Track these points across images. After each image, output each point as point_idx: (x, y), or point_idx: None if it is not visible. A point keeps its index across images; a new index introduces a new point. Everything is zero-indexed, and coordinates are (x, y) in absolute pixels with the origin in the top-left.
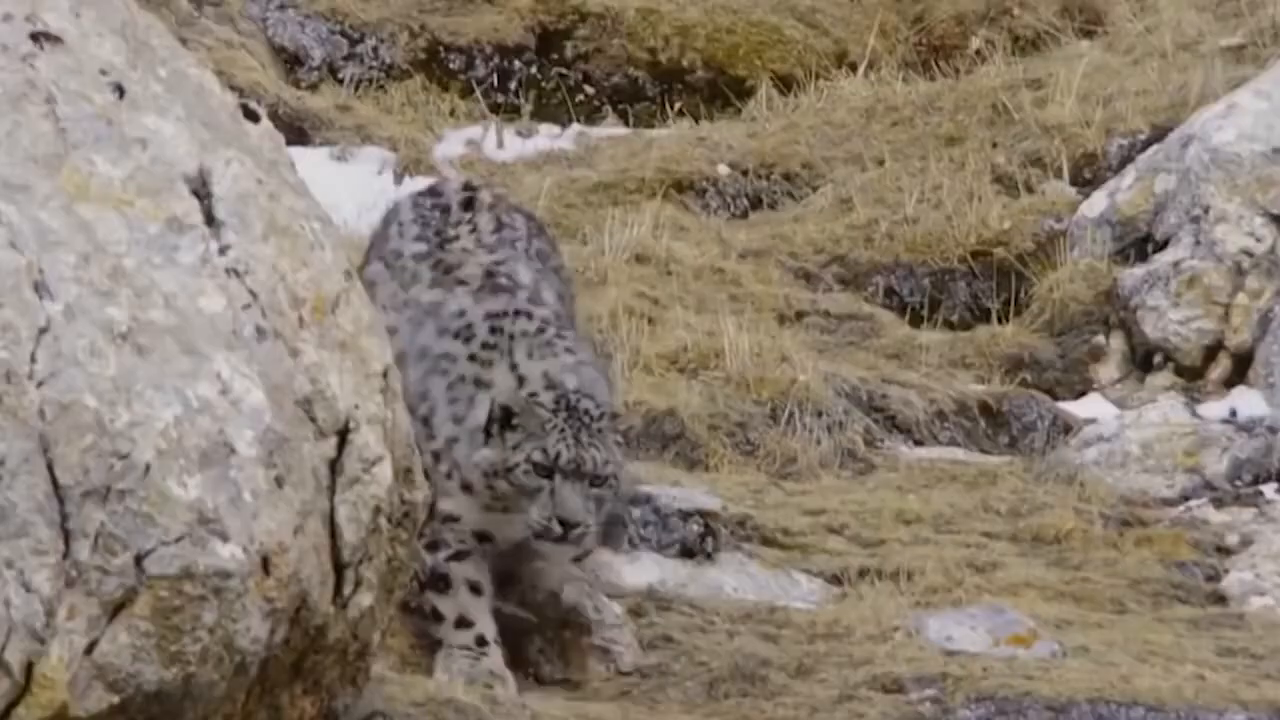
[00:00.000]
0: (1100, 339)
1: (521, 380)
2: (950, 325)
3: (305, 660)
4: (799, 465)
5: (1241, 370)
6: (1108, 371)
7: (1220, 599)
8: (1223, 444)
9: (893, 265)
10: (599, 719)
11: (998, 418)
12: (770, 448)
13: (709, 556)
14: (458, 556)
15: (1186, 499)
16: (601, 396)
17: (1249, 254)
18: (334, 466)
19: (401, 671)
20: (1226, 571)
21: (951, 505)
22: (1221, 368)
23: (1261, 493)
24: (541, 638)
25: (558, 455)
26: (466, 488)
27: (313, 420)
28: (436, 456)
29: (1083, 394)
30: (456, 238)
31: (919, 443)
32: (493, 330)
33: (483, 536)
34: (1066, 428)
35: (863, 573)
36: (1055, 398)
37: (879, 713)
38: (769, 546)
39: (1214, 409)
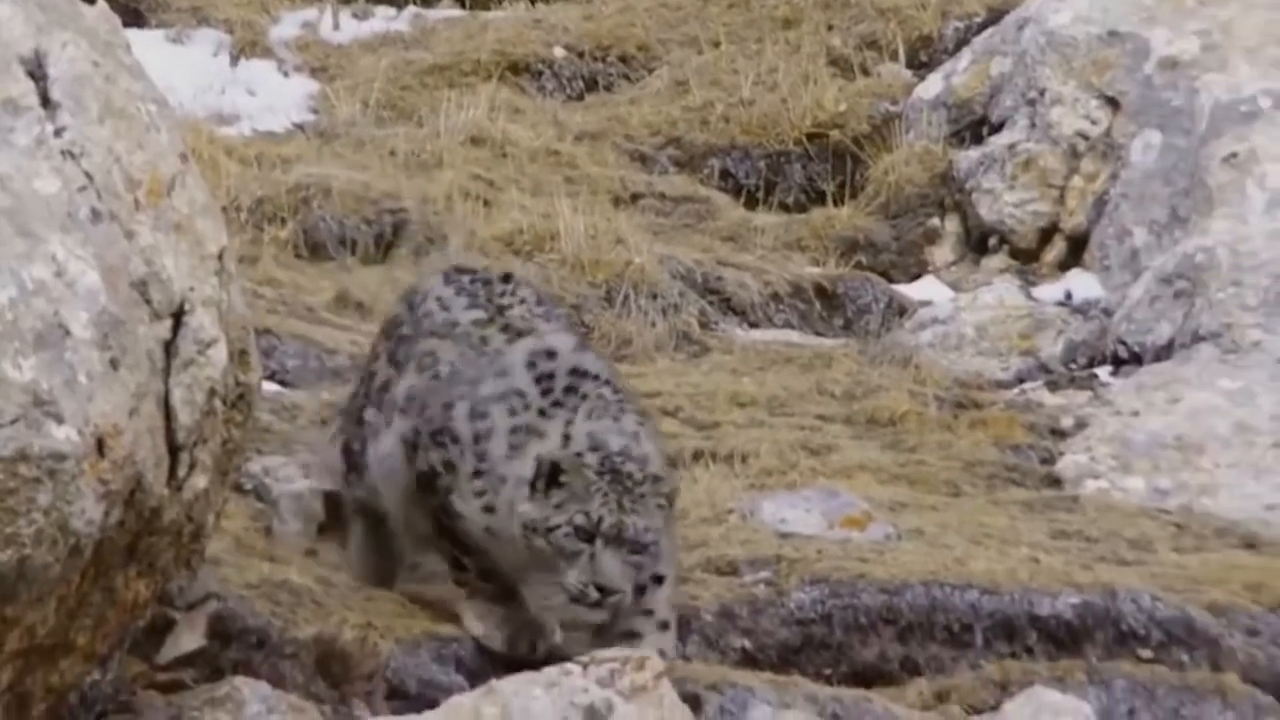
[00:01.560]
0: (935, 221)
1: (567, 440)
2: (785, 208)
3: (140, 543)
4: (634, 348)
5: (1076, 253)
6: (943, 254)
7: (1054, 482)
8: (1057, 327)
9: (728, 148)
10: (438, 600)
11: (833, 300)
12: (605, 330)
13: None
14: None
15: (1021, 382)
16: (648, 463)
17: (1084, 137)
18: (169, 349)
19: (236, 554)
20: (1061, 454)
21: (786, 388)
22: (1056, 250)
23: (1096, 375)
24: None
25: (600, 520)
26: (489, 510)
27: (148, 302)
28: (478, 474)
29: (918, 276)
30: (510, 306)
31: (754, 325)
32: (569, 390)
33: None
34: (901, 310)
35: (697, 455)
36: (890, 280)
37: (713, 595)
38: None
39: (1049, 292)
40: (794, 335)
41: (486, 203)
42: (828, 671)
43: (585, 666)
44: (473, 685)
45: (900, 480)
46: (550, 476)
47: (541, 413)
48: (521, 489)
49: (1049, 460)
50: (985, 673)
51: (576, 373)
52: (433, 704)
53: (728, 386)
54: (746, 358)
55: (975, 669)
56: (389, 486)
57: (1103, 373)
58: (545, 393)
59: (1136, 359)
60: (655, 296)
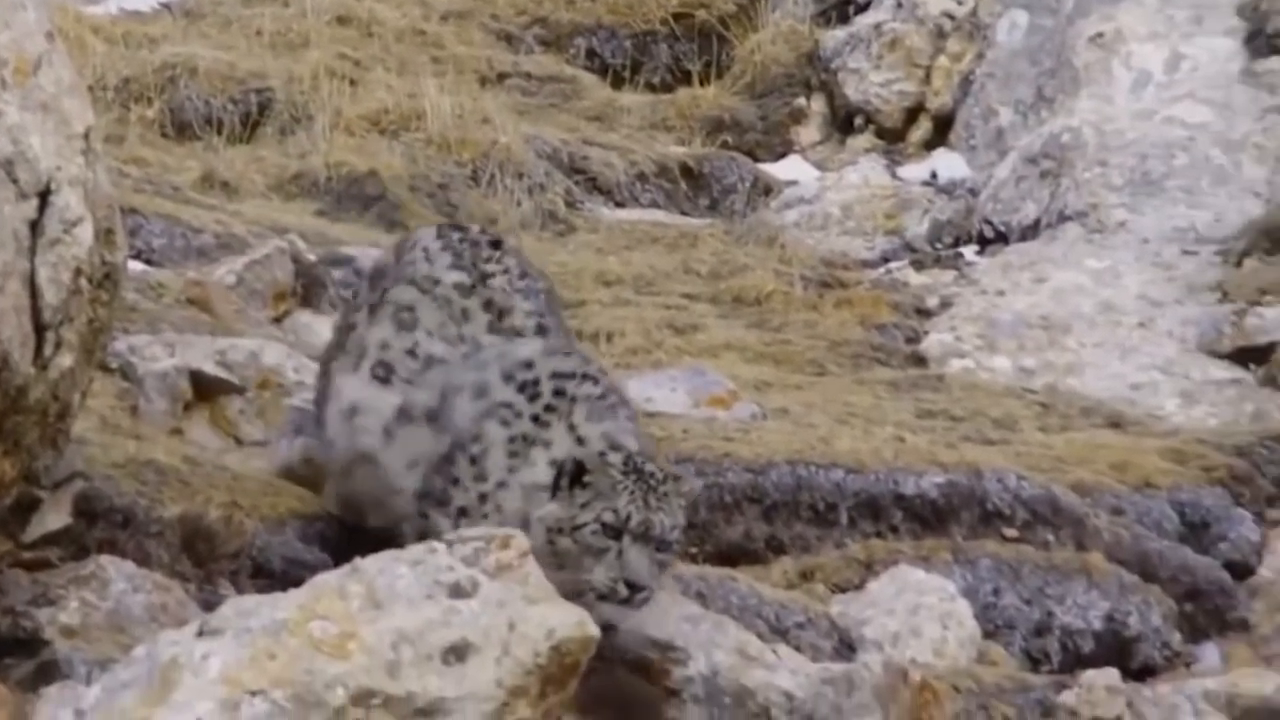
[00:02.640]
0: (801, 101)
1: (581, 440)
2: (651, 87)
3: (5, 422)
4: (500, 226)
5: (942, 133)
6: (808, 134)
7: (920, 361)
8: (923, 206)
9: (594, 27)
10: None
11: (698, 180)
12: (471, 209)
13: None
14: None
15: (886, 261)
16: (658, 460)
17: (950, 17)
18: (35, 228)
19: (102, 433)
20: (926, 334)
21: (652, 267)
22: (922, 130)
23: (961, 254)
24: (241, 399)
25: (628, 517)
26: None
27: (14, 181)
28: (483, 499)
29: (783, 156)
30: (494, 275)
31: (620, 204)
32: (557, 393)
33: None
34: (767, 190)
35: None
36: (756, 160)
37: None
38: None
39: (914, 171)
40: (660, 214)
41: (353, 82)
42: (693, 550)
43: (450, 545)
44: (337, 564)
45: (766, 359)
46: (575, 476)
47: (535, 419)
48: (536, 495)
49: (914, 339)
50: (850, 552)
51: (557, 375)
52: (298, 582)
53: (594, 265)
54: (612, 237)
55: (840, 548)
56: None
57: (968, 252)
58: (532, 399)
59: (1002, 238)
60: (521, 176)
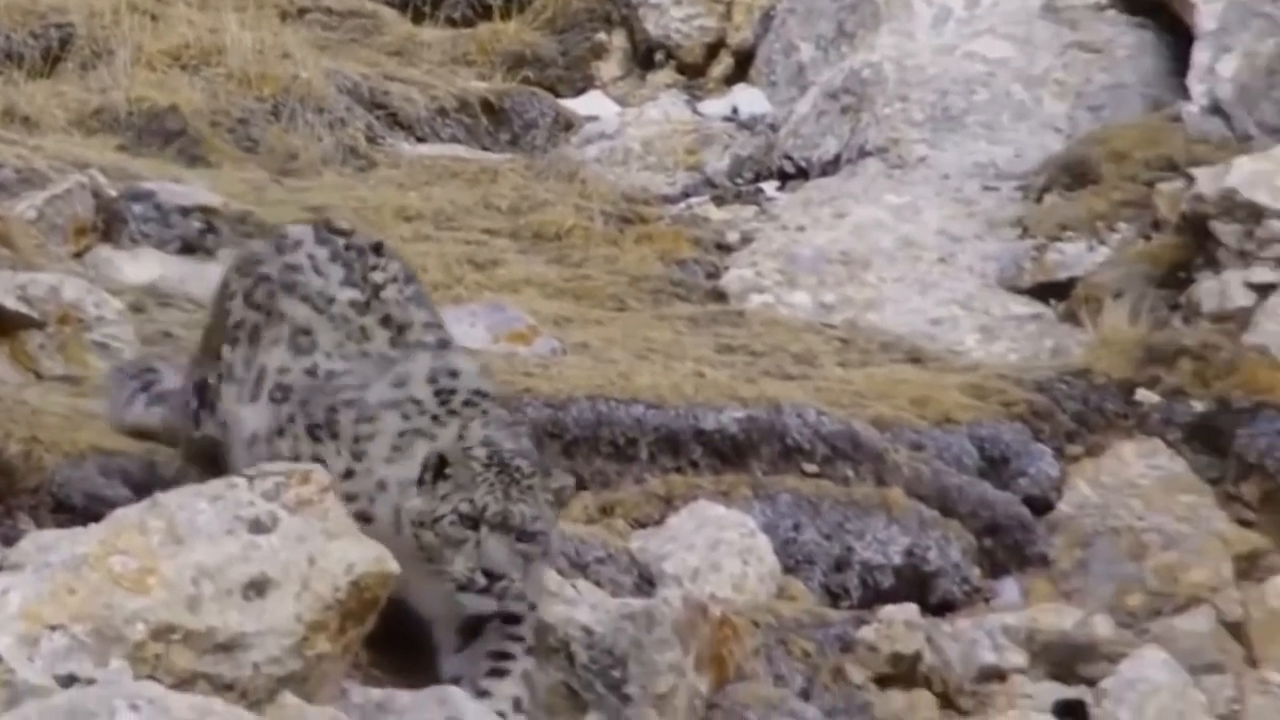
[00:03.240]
0: (602, 36)
1: (462, 437)
2: (452, 22)
3: None
4: (300, 162)
5: (743, 68)
6: (609, 69)
7: (720, 296)
8: (724, 142)
9: None
10: (98, 414)
11: (499, 115)
12: (272, 144)
13: (210, 253)
14: None
15: (687, 196)
16: (539, 463)
17: None
18: None
19: None
20: (726, 269)
21: (453, 202)
22: (723, 65)
23: (762, 190)
24: (41, 333)
25: (485, 507)
26: (364, 518)
27: None
28: (350, 474)
29: (584, 91)
30: (384, 285)
31: (420, 139)
32: (468, 404)
33: None
34: (568, 125)
35: None
36: (557, 95)
37: None
38: None
39: (715, 107)
40: (460, 150)
41: (154, 17)
42: None
43: (251, 480)
44: (138, 499)
45: (566, 295)
46: (437, 469)
47: (435, 419)
48: (408, 490)
49: (714, 275)
50: (650, 487)
51: (478, 394)
52: (98, 517)
53: (394, 201)
54: (413, 172)
55: (640, 483)
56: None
57: (769, 188)
58: (443, 403)
59: (803, 174)
60: (322, 111)
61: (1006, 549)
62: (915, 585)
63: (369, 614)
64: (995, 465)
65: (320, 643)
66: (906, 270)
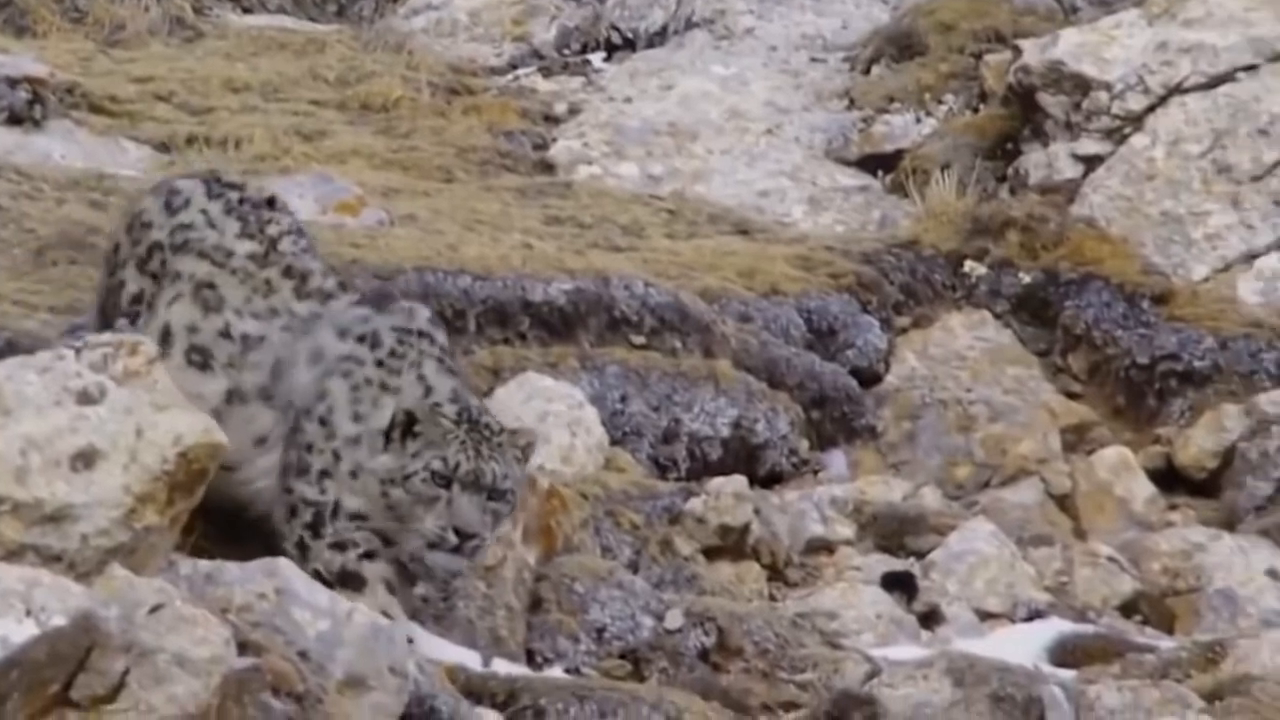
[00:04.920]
0: None
1: (429, 391)
2: None
3: None
4: (127, 32)
5: None
6: None
7: (548, 168)
8: (551, 13)
9: None
10: None
11: None
12: (99, 15)
13: (37, 124)
14: (369, 555)
15: (515, 68)
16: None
17: None
18: None
19: None
20: (554, 140)
21: (280, 73)
22: None
23: (590, 61)
24: None
25: (457, 465)
26: (355, 475)
27: None
28: (338, 455)
29: None
30: (279, 237)
31: (248, 10)
32: (400, 342)
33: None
34: None
35: (190, 140)
36: None
37: None
38: (97, 114)
39: None
40: (288, 21)
41: None
42: None
43: (78, 351)
44: None
45: (394, 166)
46: (406, 426)
47: (380, 364)
48: (376, 440)
49: (542, 146)
50: (478, 358)
51: (399, 330)
52: None
53: (222, 72)
54: (240, 43)
55: (469, 354)
56: None
57: (596, 59)
58: (374, 347)
59: (630, 45)
60: None
61: (834, 421)
62: (743, 457)
63: (197, 486)
64: (823, 337)
65: (148, 515)
66: (734, 142)
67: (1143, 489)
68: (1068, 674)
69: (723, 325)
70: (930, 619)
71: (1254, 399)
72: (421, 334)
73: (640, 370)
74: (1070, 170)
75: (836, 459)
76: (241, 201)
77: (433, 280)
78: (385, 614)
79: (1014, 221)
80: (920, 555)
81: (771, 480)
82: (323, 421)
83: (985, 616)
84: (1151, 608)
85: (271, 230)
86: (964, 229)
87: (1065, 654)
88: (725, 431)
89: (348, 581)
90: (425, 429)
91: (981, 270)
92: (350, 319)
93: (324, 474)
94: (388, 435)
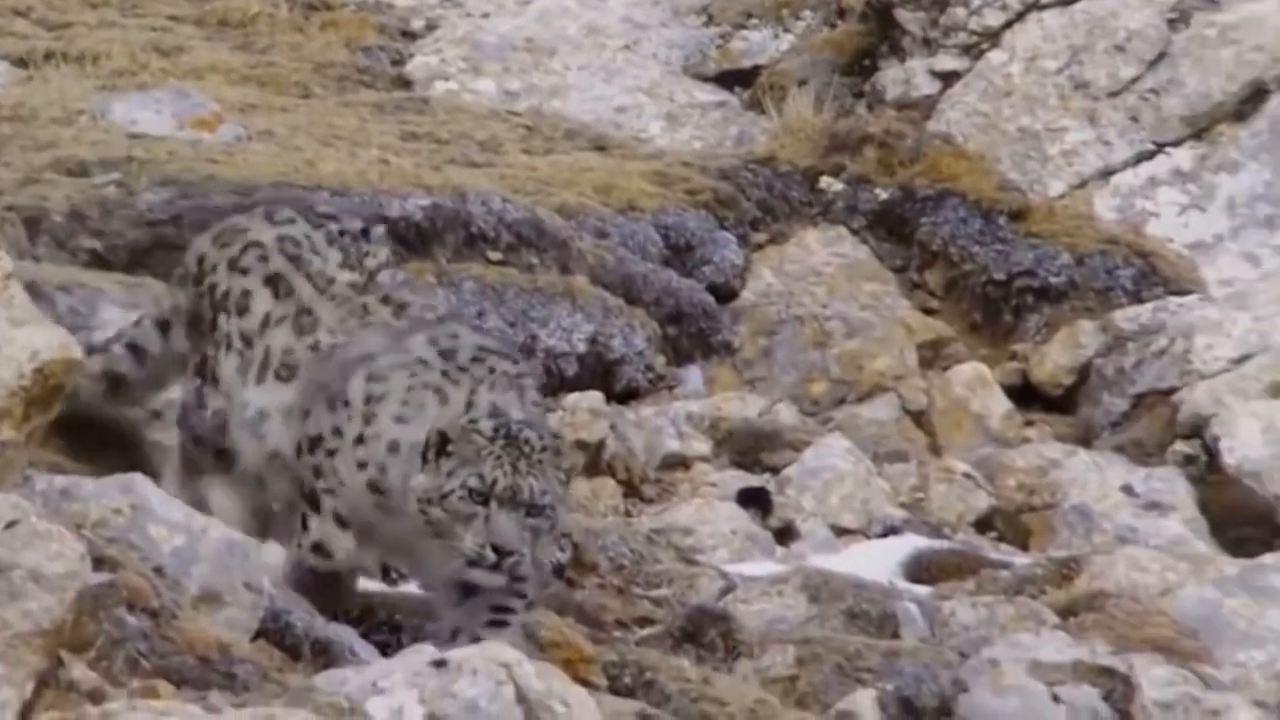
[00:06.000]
0: None
1: (470, 406)
2: None
3: None
4: None
5: None
6: None
7: (405, 84)
8: None
9: None
10: None
11: None
12: None
13: None
14: (329, 493)
15: None
16: (544, 430)
17: None
18: None
19: None
20: (411, 56)
21: None
22: None
23: None
24: None
25: (494, 482)
26: (376, 489)
27: None
28: (361, 439)
29: None
30: (379, 270)
31: None
32: (475, 359)
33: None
34: None
35: (48, 56)
36: None
37: (63, 196)
38: None
39: None
40: None
41: None
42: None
43: None
44: None
45: (251, 82)
46: (439, 446)
47: (445, 374)
48: (415, 459)
49: (400, 62)
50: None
51: (482, 349)
52: None
53: None
54: None
55: None
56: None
57: None
58: (447, 358)
59: None
60: None
61: (691, 337)
62: (599, 373)
63: (54, 401)
64: (679, 253)
65: (4, 430)
66: (591, 58)
67: (999, 405)
68: (923, 590)
69: (579, 241)
70: (785, 535)
71: (1110, 315)
72: (504, 354)
73: (497, 286)
74: (928, 86)
75: (693, 375)
76: (341, 233)
77: (290, 196)
78: (320, 547)
79: (871, 138)
80: (776, 471)
81: (627, 396)
82: (369, 399)
83: (840, 532)
84: (1007, 524)
85: (369, 262)
86: (821, 145)
87: (920, 570)
88: (581, 347)
89: (310, 499)
90: (459, 447)
91: (838, 186)
92: (444, 332)
93: (337, 431)
94: (424, 456)
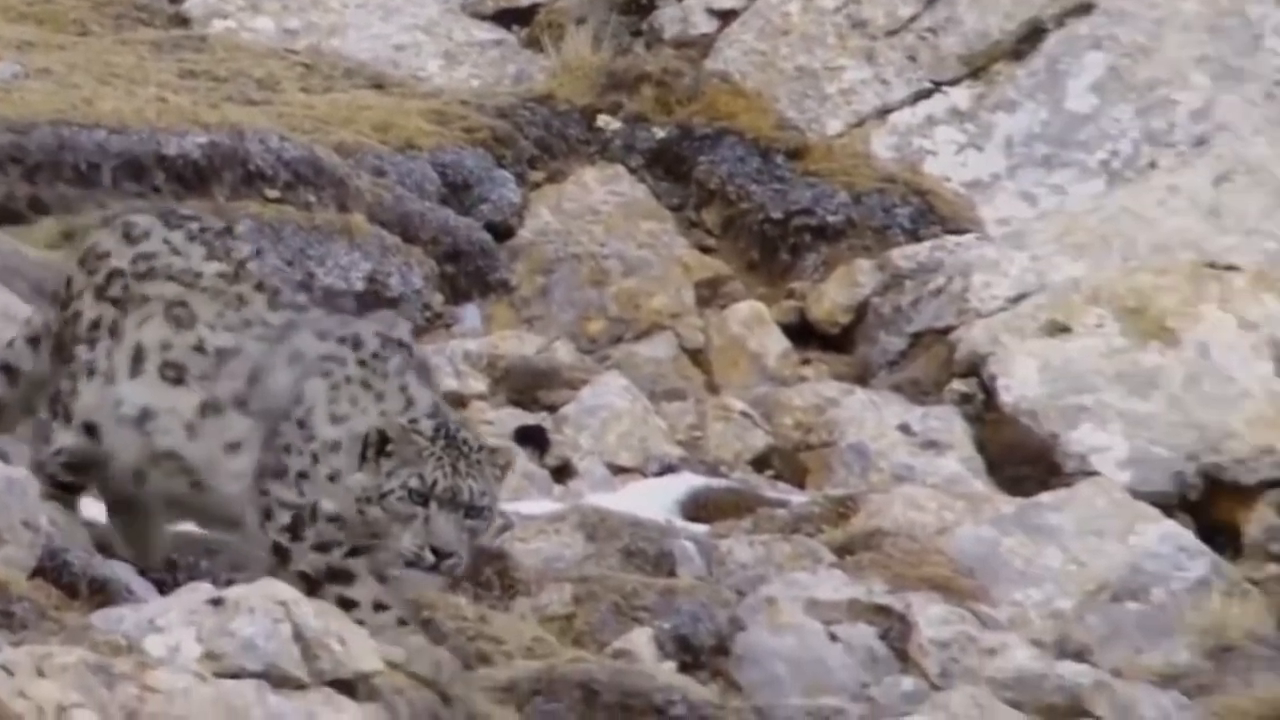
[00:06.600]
0: None
1: (410, 403)
2: None
3: None
4: None
5: None
6: None
7: (183, 21)
8: None
9: None
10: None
11: None
12: None
13: None
14: (354, 552)
15: None
16: (480, 435)
17: None
18: None
19: None
20: None
21: None
22: None
23: None
24: None
25: (435, 483)
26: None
27: None
28: (316, 458)
29: None
30: (247, 259)
31: None
32: (384, 345)
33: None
34: None
35: None
36: None
37: None
38: None
39: None
40: None
41: None
42: None
43: None
44: None
45: (28, 19)
46: (379, 445)
47: (362, 364)
48: (355, 446)
49: (177, 0)
50: (114, 212)
51: (381, 336)
52: None
53: None
54: None
55: (103, 208)
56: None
57: None
58: (356, 348)
59: None
60: None
61: (468, 275)
62: (377, 311)
63: None
64: (457, 191)
65: None
66: None
67: (776, 344)
68: (700, 528)
69: (357, 179)
70: (563, 473)
71: (887, 254)
72: (402, 344)
73: (274, 224)
74: (705, 25)
75: (470, 313)
76: (204, 230)
77: (68, 134)
78: (380, 605)
79: (648, 76)
80: (553, 410)
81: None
82: (301, 424)
83: (618, 471)
84: (784, 462)
85: (237, 253)
86: (599, 84)
87: (697, 508)
88: (359, 285)
89: (337, 577)
90: (399, 447)
91: (616, 125)
92: (331, 322)
93: (301, 475)
94: (362, 454)
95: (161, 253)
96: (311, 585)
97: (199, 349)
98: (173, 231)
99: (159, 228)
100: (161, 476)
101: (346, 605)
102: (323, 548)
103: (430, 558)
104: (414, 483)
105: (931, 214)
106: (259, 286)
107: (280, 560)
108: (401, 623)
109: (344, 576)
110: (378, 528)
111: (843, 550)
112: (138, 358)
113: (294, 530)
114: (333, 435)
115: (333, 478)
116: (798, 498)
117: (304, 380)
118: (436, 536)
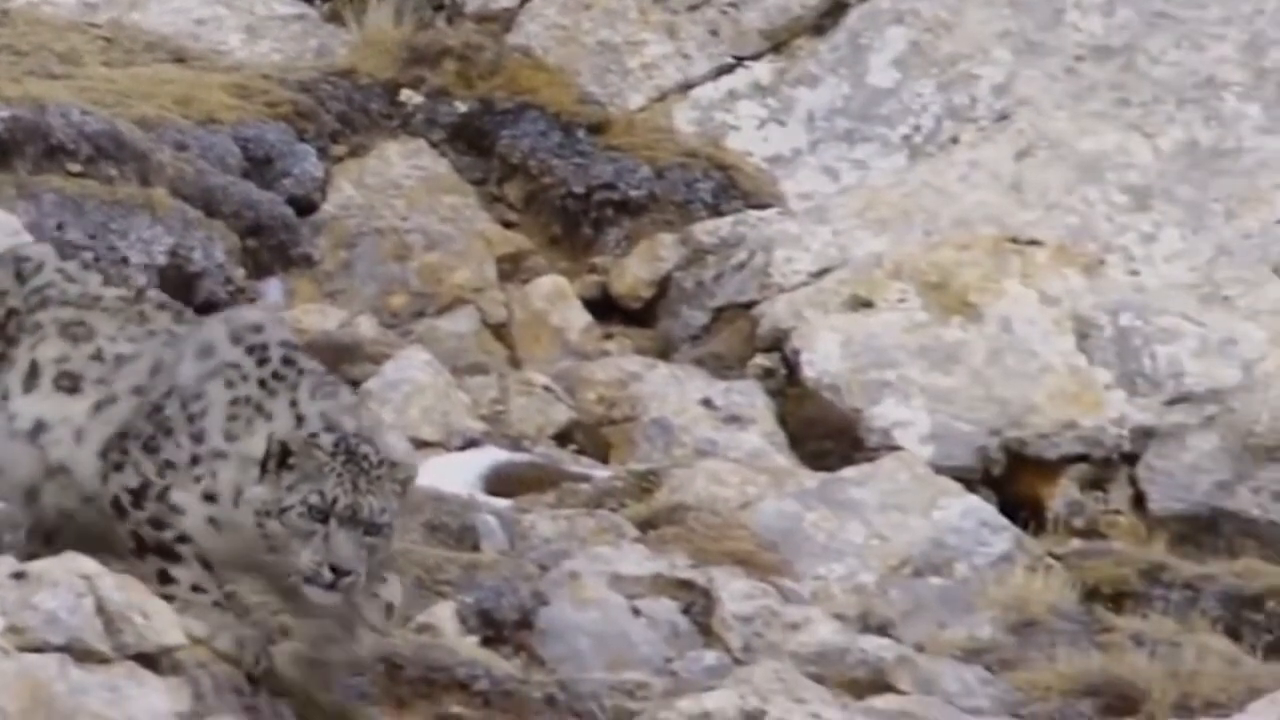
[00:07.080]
0: None
1: (300, 419)
2: None
3: None
4: None
5: None
6: None
7: None
8: None
9: None
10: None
11: None
12: None
13: None
14: (183, 540)
15: None
16: (380, 443)
17: None
18: None
19: None
20: None
21: None
22: None
23: None
24: None
25: (335, 500)
26: (210, 498)
27: None
28: (196, 459)
29: None
30: (145, 289)
31: None
32: (286, 361)
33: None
34: None
35: None
36: None
37: None
38: None
39: None
40: None
41: None
42: None
43: None
44: None
45: None
46: (280, 458)
47: (262, 384)
48: (249, 470)
49: None
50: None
51: (287, 345)
52: None
53: None
54: None
55: None
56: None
57: None
58: (261, 363)
59: None
60: None
61: (271, 250)
62: (180, 285)
63: None
64: (259, 166)
65: None
66: None
67: (578, 318)
68: (503, 503)
69: (159, 154)
70: None
71: (689, 228)
72: (298, 347)
73: (77, 198)
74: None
75: (273, 287)
76: (98, 259)
77: None
78: (199, 588)
79: (450, 50)
80: (356, 384)
81: (207, 308)
82: (191, 419)
83: (420, 445)
84: (587, 436)
85: (134, 284)
86: (400, 58)
87: (500, 482)
88: (162, 260)
89: (164, 552)
90: (300, 461)
91: (418, 99)
92: (245, 324)
93: (169, 464)
94: (263, 466)
95: (55, 281)
96: (140, 547)
97: (97, 357)
98: (67, 262)
99: (52, 258)
100: (56, 490)
101: (165, 580)
102: (157, 524)
103: (329, 575)
104: (314, 499)
105: (734, 189)
106: (161, 306)
107: (116, 512)
108: (217, 606)
109: (171, 555)
110: (276, 542)
111: (646, 525)
112: (32, 374)
113: (137, 496)
114: (223, 447)
115: (199, 479)
116: (601, 472)
117: (209, 379)
118: (335, 554)
